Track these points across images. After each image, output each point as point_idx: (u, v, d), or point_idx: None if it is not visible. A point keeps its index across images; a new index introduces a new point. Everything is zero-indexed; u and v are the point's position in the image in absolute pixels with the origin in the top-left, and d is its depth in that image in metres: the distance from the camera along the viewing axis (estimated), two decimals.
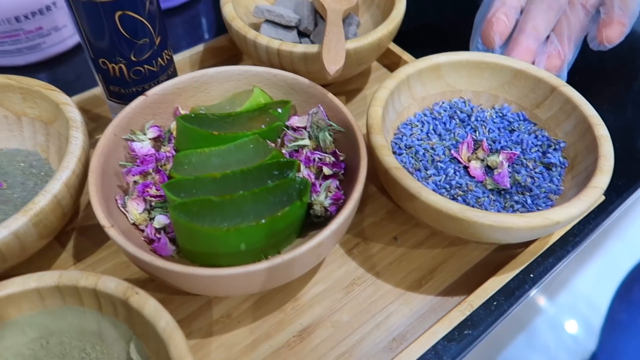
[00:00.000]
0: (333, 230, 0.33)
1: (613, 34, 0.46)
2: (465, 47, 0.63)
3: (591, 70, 0.60)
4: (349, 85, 0.56)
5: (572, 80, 0.46)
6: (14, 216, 0.32)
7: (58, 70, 0.60)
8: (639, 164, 0.49)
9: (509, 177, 0.40)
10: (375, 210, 0.44)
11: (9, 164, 0.42)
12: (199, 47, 0.57)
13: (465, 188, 0.40)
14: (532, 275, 0.40)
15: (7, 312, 0.30)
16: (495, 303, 0.39)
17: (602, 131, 0.39)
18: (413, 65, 0.44)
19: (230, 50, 0.59)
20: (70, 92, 0.43)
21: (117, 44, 0.40)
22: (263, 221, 0.33)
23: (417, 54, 0.57)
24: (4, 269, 0.35)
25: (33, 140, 0.44)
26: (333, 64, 0.41)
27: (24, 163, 0.42)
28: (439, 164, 0.42)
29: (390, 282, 0.40)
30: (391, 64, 0.58)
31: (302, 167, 0.39)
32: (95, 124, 0.51)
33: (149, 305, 0.29)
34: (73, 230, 0.42)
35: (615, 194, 0.46)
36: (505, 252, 0.42)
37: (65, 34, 0.59)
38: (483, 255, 0.42)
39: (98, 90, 0.52)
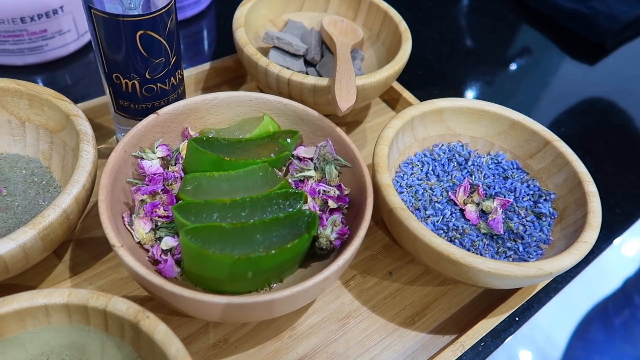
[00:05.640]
0: (340, 265, 0.34)
1: None
2: (461, 88, 0.66)
3: (581, 126, 0.63)
4: (348, 117, 0.57)
5: (563, 135, 0.49)
6: (22, 229, 0.32)
7: (56, 74, 0.60)
8: (615, 218, 0.53)
9: (503, 224, 0.42)
10: (372, 244, 0.45)
11: (10, 170, 0.41)
12: (205, 66, 0.57)
13: (462, 231, 0.42)
14: (517, 319, 0.42)
15: (10, 327, 0.30)
16: (483, 344, 0.40)
17: (591, 188, 0.41)
18: (418, 108, 0.46)
19: (235, 71, 0.60)
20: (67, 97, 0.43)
21: (134, 61, 0.41)
22: (273, 252, 0.34)
23: (415, 91, 0.59)
24: (3, 280, 0.35)
25: (35, 148, 0.43)
26: (345, 101, 0.42)
27: (25, 170, 0.42)
28: (436, 204, 0.44)
29: (384, 316, 0.41)
30: (391, 99, 0.59)
31: (309, 198, 0.40)
32: (96, 133, 0.51)
33: (159, 331, 0.29)
34: (70, 242, 0.42)
35: (595, 246, 0.49)
36: (493, 295, 0.44)
37: (68, 38, 0.59)
38: (473, 296, 0.43)
39: (101, 100, 0.52)
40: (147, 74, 0.42)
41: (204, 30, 0.70)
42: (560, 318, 1.35)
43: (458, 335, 0.40)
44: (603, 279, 1.37)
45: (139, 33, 0.39)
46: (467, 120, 0.48)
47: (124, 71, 0.41)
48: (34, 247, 0.33)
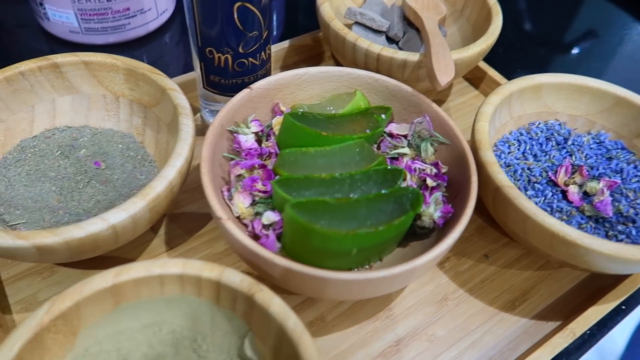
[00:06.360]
0: (449, 244, 0.33)
1: None
2: (545, 67, 0.63)
3: None
4: (429, 96, 0.55)
5: None
6: (131, 199, 0.32)
7: (135, 53, 0.60)
8: None
9: (612, 206, 0.40)
10: (465, 226, 0.44)
11: (107, 144, 0.42)
12: (284, 44, 0.57)
13: (568, 213, 0.39)
14: (624, 307, 0.40)
15: (126, 296, 0.30)
16: (589, 332, 0.38)
17: None
18: (516, 83, 0.44)
19: (313, 49, 0.59)
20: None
21: (228, 35, 0.40)
22: (381, 228, 0.33)
23: (497, 70, 0.56)
24: (108, 251, 0.35)
25: (128, 123, 0.44)
26: (444, 75, 0.40)
27: (121, 144, 0.42)
28: (536, 185, 0.41)
29: (483, 300, 0.39)
30: (474, 78, 0.57)
31: (408, 176, 0.39)
32: None
33: (275, 303, 0.28)
34: (164, 217, 0.42)
35: None
36: (597, 281, 0.41)
37: (148, 17, 0.59)
38: (576, 281, 0.41)
39: (182, 78, 0.52)
40: (240, 48, 0.41)
41: (273, 10, 0.69)
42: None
43: (563, 321, 0.38)
44: None
45: (236, 5, 0.38)
46: (567, 97, 0.45)
47: (218, 45, 0.41)
48: (142, 218, 0.33)
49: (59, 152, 0.41)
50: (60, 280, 0.38)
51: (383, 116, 0.42)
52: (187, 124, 0.37)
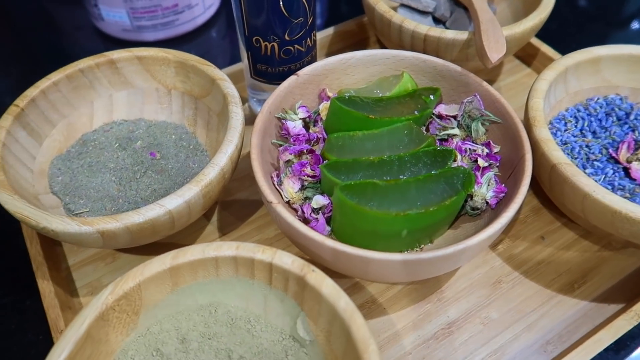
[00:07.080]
0: (503, 224, 0.32)
1: None
2: (603, 42, 0.60)
3: None
4: (479, 76, 0.54)
5: None
6: (187, 186, 0.33)
7: (182, 48, 0.61)
8: None
9: None
10: (520, 205, 0.42)
11: (161, 136, 0.43)
12: (329, 31, 0.56)
13: (632, 191, 0.37)
14: None
15: (184, 278, 0.31)
16: None
17: None
18: (571, 57, 0.42)
19: (357, 34, 0.58)
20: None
21: (274, 23, 0.41)
22: (431, 209, 0.32)
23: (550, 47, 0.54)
24: (165, 236, 0.36)
25: (180, 114, 0.45)
26: (495, 52, 0.39)
27: (174, 135, 0.44)
28: (595, 162, 0.40)
29: (539, 282, 0.38)
30: (526, 55, 0.55)
31: (458, 156, 0.38)
32: None
33: (327, 284, 0.29)
34: (216, 205, 0.43)
35: None
36: None
37: (196, 12, 0.60)
38: (638, 263, 0.39)
39: (229, 70, 0.53)
40: (286, 35, 0.41)
41: None
42: None
43: (627, 304, 0.37)
44: None
45: None
46: (629, 69, 0.43)
47: (265, 34, 0.41)
48: (197, 203, 0.34)
49: (117, 144, 0.43)
50: (121, 266, 0.40)
51: (431, 97, 0.41)
52: (237, 112, 0.38)
